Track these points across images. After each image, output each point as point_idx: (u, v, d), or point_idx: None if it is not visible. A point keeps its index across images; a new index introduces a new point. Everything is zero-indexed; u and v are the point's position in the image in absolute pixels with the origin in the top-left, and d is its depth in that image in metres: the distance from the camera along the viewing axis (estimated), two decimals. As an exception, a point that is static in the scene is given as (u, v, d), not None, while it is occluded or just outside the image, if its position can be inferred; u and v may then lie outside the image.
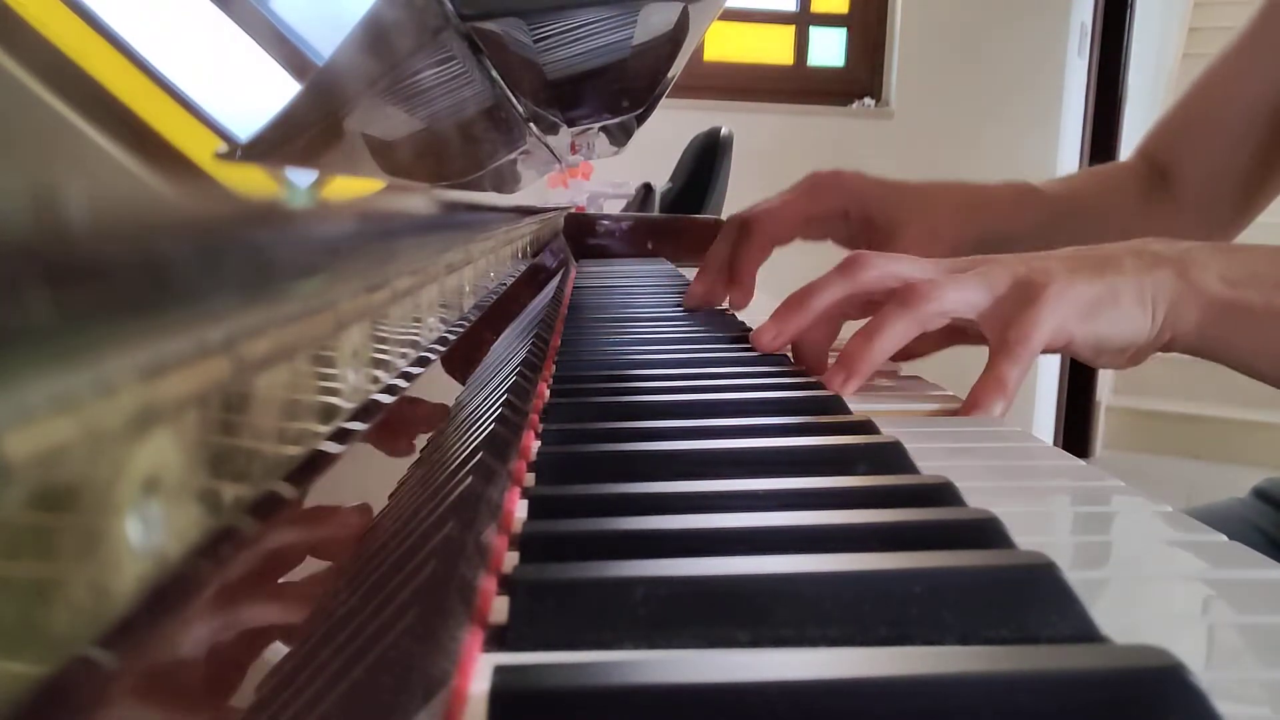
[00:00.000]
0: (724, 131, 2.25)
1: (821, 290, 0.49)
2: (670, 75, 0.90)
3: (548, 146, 0.85)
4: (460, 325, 0.35)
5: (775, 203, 0.72)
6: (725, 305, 0.75)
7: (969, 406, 0.44)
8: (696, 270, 0.75)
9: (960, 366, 0.53)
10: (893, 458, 0.31)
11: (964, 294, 0.46)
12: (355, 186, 0.26)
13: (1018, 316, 0.44)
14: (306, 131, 0.25)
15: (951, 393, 0.48)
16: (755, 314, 0.72)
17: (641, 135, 1.14)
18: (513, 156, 0.65)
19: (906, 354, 0.52)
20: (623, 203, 2.08)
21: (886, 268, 0.48)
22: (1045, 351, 0.46)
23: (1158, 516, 0.29)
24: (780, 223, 0.71)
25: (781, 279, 0.76)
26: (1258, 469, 0.75)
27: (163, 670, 0.12)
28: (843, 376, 0.45)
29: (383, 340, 0.23)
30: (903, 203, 0.70)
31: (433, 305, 0.30)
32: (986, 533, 0.24)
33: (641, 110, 0.98)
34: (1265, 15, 0.71)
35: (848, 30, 2.78)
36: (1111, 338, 0.46)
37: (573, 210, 1.32)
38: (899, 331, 0.45)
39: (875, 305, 0.48)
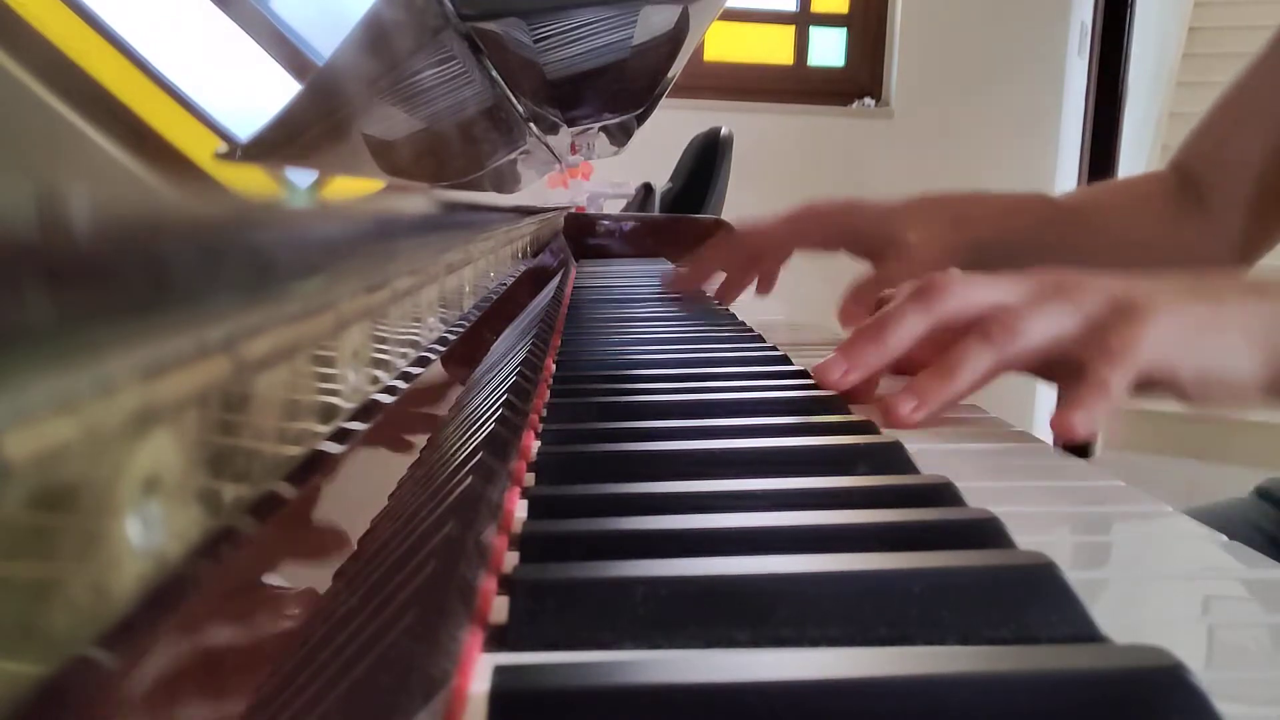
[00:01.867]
0: (724, 131, 2.25)
1: (899, 323, 0.43)
2: (670, 75, 0.90)
3: (548, 146, 0.85)
4: (460, 325, 0.35)
5: (765, 225, 0.72)
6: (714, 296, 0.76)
7: (1062, 425, 0.38)
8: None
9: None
10: (893, 458, 0.31)
11: (1055, 324, 0.40)
12: (355, 186, 0.26)
13: (1118, 330, 0.39)
14: (306, 131, 0.25)
15: (1020, 428, 0.42)
16: (752, 311, 0.72)
17: (641, 135, 1.14)
18: (513, 156, 0.65)
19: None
20: (623, 203, 2.08)
21: (969, 295, 0.42)
22: (1143, 387, 0.40)
23: (1158, 516, 0.29)
24: (767, 242, 0.72)
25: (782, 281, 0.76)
26: (1258, 469, 0.75)
27: (163, 670, 0.12)
28: (913, 405, 0.40)
29: (383, 340, 0.23)
30: (894, 218, 0.69)
31: (433, 305, 0.30)
32: (986, 533, 0.24)
33: (641, 110, 0.98)
34: None
35: (848, 30, 2.78)
36: (1215, 371, 0.40)
37: (573, 210, 1.32)
38: (981, 369, 0.41)
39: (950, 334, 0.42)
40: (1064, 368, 0.41)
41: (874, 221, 0.69)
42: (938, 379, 0.41)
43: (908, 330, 0.43)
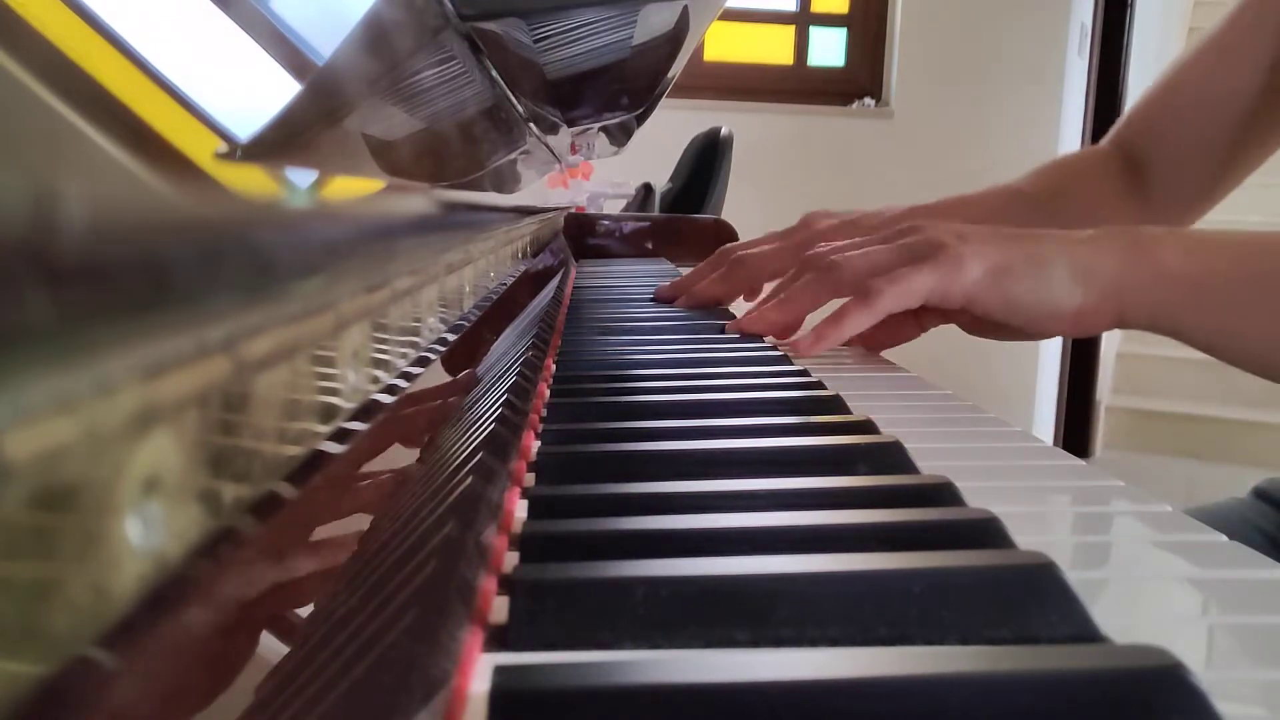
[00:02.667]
0: (724, 131, 2.25)
1: (807, 295, 0.56)
2: (670, 75, 0.90)
3: (548, 146, 0.85)
4: (460, 325, 0.35)
5: (762, 251, 0.72)
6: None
7: (804, 339, 0.53)
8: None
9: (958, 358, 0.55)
10: (893, 458, 0.31)
11: (878, 258, 0.52)
12: (355, 186, 0.26)
13: (900, 270, 0.49)
14: (306, 131, 0.25)
15: (1020, 428, 0.48)
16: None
17: (641, 135, 1.14)
18: (513, 156, 0.65)
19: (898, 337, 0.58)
20: (623, 203, 2.08)
21: (849, 265, 0.53)
22: (940, 308, 0.51)
23: (1158, 516, 0.29)
24: (764, 268, 0.73)
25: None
26: (1258, 469, 0.75)
27: (163, 670, 0.12)
28: (811, 340, 0.53)
29: (383, 340, 0.23)
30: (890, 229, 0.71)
31: (433, 305, 0.30)
32: (986, 533, 0.24)
33: (641, 110, 0.98)
34: (1237, 15, 0.72)
35: (848, 30, 2.78)
36: (1027, 300, 0.48)
37: (573, 210, 1.32)
38: (861, 320, 0.51)
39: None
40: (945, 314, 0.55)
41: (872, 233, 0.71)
42: (829, 328, 0.53)
43: (813, 298, 0.56)
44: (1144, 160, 0.77)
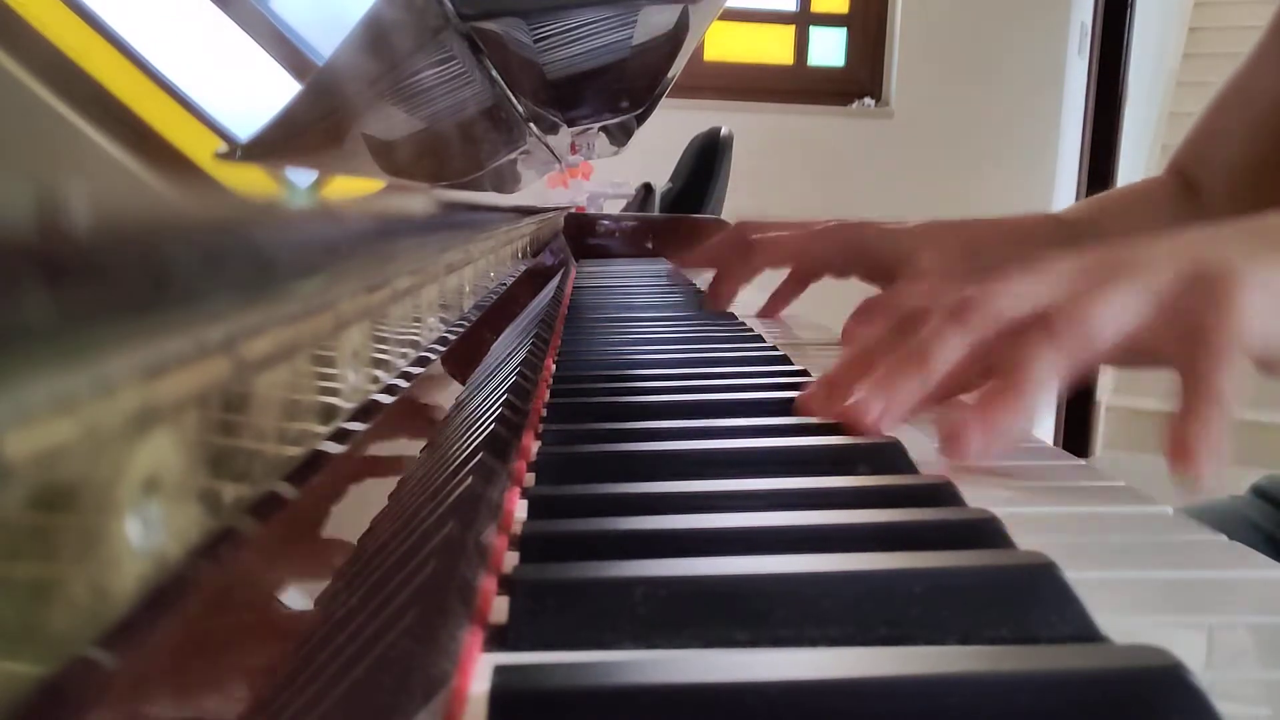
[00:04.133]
0: (724, 131, 2.25)
1: (939, 347, 0.35)
2: (670, 75, 0.90)
3: (548, 146, 0.85)
4: (460, 325, 0.35)
5: (781, 236, 0.72)
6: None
7: (1178, 448, 0.31)
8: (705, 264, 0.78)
9: None
10: (893, 458, 0.31)
11: (1127, 311, 0.33)
12: (355, 186, 0.26)
13: (1209, 317, 0.32)
14: (306, 131, 0.25)
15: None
16: (750, 310, 0.72)
17: (641, 135, 1.14)
18: (513, 156, 0.65)
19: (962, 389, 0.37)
20: (623, 203, 2.08)
21: (1014, 297, 0.35)
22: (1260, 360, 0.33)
23: (1158, 516, 0.29)
24: (780, 254, 0.72)
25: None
26: (1258, 469, 0.75)
27: (163, 670, 0.12)
28: (980, 435, 0.32)
29: (383, 340, 0.23)
30: (906, 239, 0.69)
31: (433, 305, 0.30)
32: (986, 533, 0.24)
33: (641, 110, 0.98)
34: (1275, 25, 0.71)
35: (848, 30, 2.78)
36: None
37: (573, 210, 1.32)
38: (1052, 375, 0.33)
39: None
40: (1148, 357, 0.34)
41: (886, 241, 0.69)
42: (1003, 397, 0.33)
43: (950, 353, 0.35)
44: (1198, 185, 0.73)
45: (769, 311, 0.74)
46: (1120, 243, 0.36)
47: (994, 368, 0.34)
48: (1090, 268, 0.35)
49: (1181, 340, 0.32)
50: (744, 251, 0.72)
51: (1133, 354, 0.34)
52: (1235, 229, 0.37)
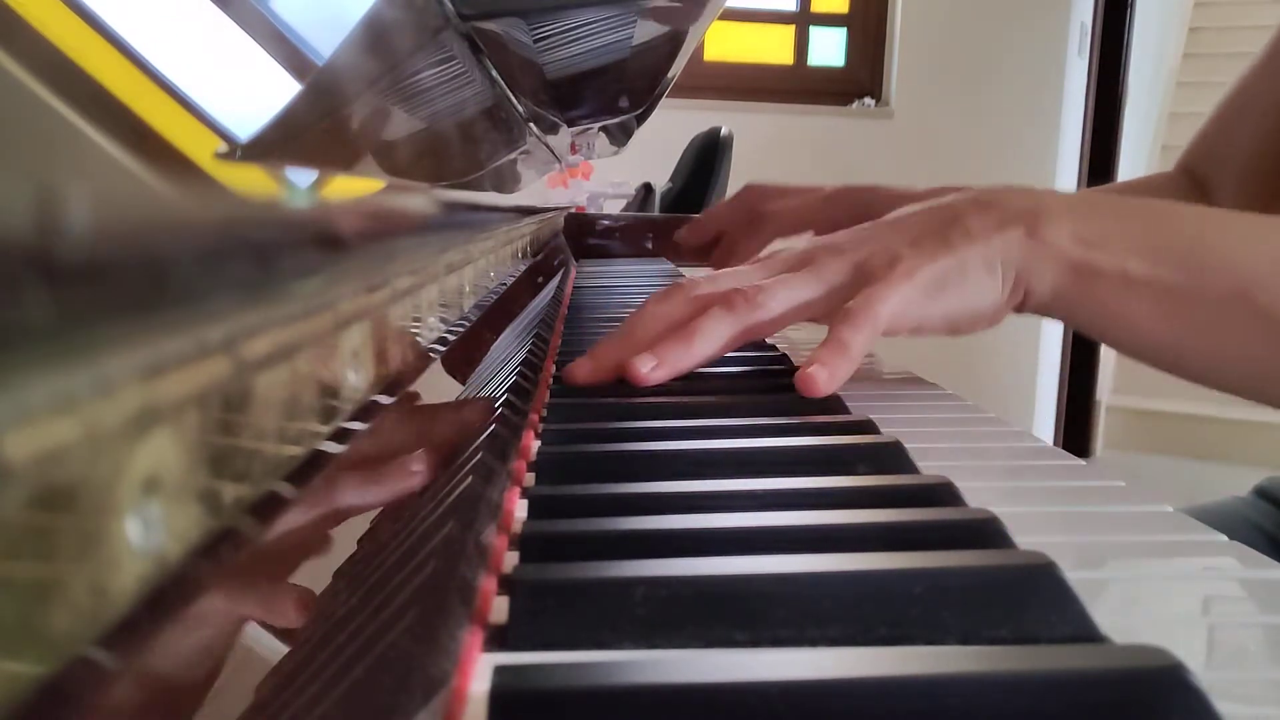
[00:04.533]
0: (724, 131, 2.25)
1: (649, 321, 0.45)
2: (670, 75, 0.90)
3: (548, 146, 0.85)
4: (460, 325, 0.35)
5: (795, 202, 0.72)
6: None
7: (801, 379, 0.41)
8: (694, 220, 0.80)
9: (964, 364, 0.51)
10: (893, 458, 0.31)
11: (795, 294, 0.45)
12: (355, 186, 0.26)
13: (858, 297, 0.43)
14: (306, 131, 0.25)
15: (1020, 428, 0.43)
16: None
17: (641, 135, 1.14)
18: (513, 156, 0.65)
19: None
20: (623, 203, 2.08)
21: (716, 285, 0.46)
22: (888, 334, 0.44)
23: (1158, 516, 0.29)
24: (792, 224, 0.72)
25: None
26: (1258, 469, 0.75)
27: (163, 670, 0.12)
28: (653, 364, 0.43)
29: (383, 340, 0.23)
30: (911, 199, 0.70)
31: (433, 305, 0.30)
32: (986, 533, 0.24)
33: (641, 110, 0.98)
34: None
35: (848, 30, 2.78)
36: (962, 312, 0.45)
37: (573, 210, 1.32)
38: (719, 335, 0.43)
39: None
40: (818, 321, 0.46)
41: (898, 201, 0.70)
42: (680, 344, 0.44)
43: (657, 325, 0.45)
44: (1208, 184, 0.74)
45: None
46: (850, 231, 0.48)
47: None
48: (793, 258, 0.47)
49: (833, 312, 0.44)
50: (755, 221, 0.73)
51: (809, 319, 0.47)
52: (916, 211, 0.47)
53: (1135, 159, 2.61)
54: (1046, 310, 0.46)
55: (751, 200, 0.75)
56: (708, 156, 2.24)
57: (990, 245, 0.44)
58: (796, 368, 0.48)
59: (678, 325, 0.44)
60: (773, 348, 0.54)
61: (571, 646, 0.19)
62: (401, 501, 0.24)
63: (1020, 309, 0.47)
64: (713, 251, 0.81)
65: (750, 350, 0.53)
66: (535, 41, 0.58)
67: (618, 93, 0.89)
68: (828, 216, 0.72)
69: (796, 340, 0.64)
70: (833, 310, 0.44)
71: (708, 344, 0.43)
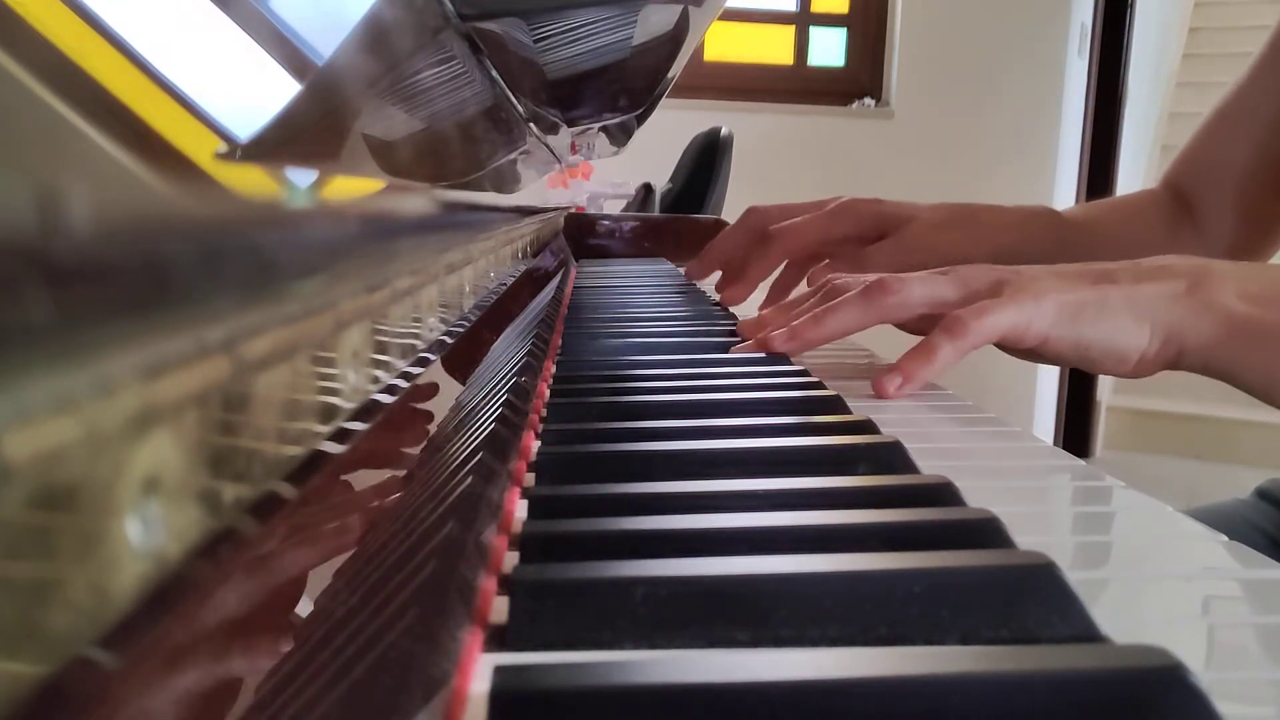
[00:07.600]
0: (724, 131, 2.25)
1: (841, 314, 0.50)
2: (670, 75, 0.90)
3: (548, 146, 0.85)
4: (460, 325, 0.35)
5: (800, 222, 0.72)
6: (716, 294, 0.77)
7: (875, 381, 0.46)
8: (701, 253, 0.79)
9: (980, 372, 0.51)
10: (893, 458, 0.31)
11: (932, 290, 0.48)
12: (355, 186, 0.26)
13: (978, 305, 0.45)
14: (306, 131, 0.25)
15: (1020, 428, 0.44)
16: (751, 310, 0.72)
17: (641, 135, 1.14)
18: (513, 156, 0.65)
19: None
20: (623, 203, 2.08)
21: (908, 287, 0.49)
22: (1016, 348, 0.47)
23: (1158, 517, 0.29)
24: (801, 241, 0.72)
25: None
26: (1259, 469, 0.75)
27: (163, 670, 0.12)
28: (785, 337, 0.49)
29: (383, 340, 0.23)
30: (911, 211, 0.70)
31: (433, 305, 0.30)
32: (986, 533, 0.24)
33: (641, 110, 0.98)
34: (1276, 41, 0.70)
35: (848, 30, 2.78)
36: (1097, 343, 0.45)
37: (573, 210, 1.32)
38: (851, 319, 0.48)
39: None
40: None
41: (903, 209, 0.71)
42: (810, 323, 0.49)
43: (844, 320, 0.50)
44: (1194, 200, 0.74)
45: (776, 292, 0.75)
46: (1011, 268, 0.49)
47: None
48: (955, 269, 0.50)
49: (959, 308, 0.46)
50: (762, 243, 0.72)
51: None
52: (1075, 266, 0.48)
53: (1135, 159, 2.61)
54: (1204, 368, 0.46)
55: (754, 223, 0.75)
56: (708, 157, 2.24)
57: (1139, 293, 0.45)
58: (797, 368, 0.48)
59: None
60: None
61: (571, 646, 0.19)
62: (401, 501, 0.24)
63: (1175, 365, 0.47)
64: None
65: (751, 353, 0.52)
66: (535, 41, 0.58)
67: (618, 93, 0.89)
68: (833, 230, 0.71)
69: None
70: (957, 307, 0.46)
71: (837, 325, 0.49)
